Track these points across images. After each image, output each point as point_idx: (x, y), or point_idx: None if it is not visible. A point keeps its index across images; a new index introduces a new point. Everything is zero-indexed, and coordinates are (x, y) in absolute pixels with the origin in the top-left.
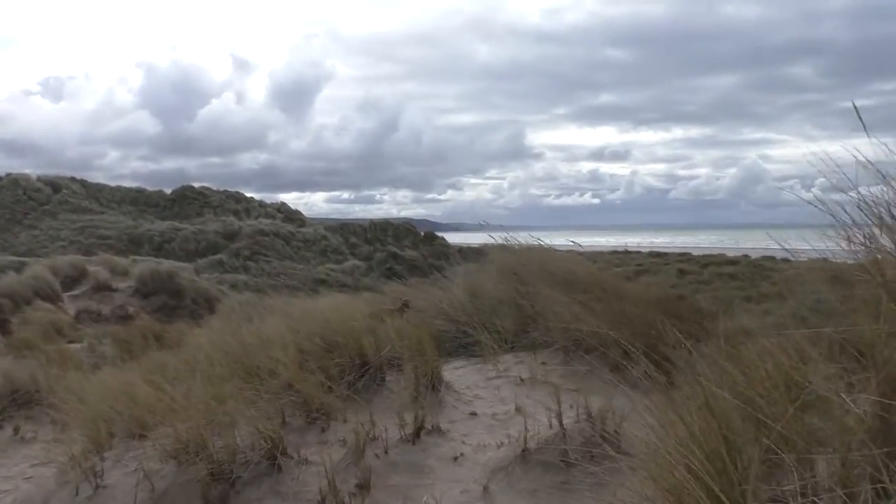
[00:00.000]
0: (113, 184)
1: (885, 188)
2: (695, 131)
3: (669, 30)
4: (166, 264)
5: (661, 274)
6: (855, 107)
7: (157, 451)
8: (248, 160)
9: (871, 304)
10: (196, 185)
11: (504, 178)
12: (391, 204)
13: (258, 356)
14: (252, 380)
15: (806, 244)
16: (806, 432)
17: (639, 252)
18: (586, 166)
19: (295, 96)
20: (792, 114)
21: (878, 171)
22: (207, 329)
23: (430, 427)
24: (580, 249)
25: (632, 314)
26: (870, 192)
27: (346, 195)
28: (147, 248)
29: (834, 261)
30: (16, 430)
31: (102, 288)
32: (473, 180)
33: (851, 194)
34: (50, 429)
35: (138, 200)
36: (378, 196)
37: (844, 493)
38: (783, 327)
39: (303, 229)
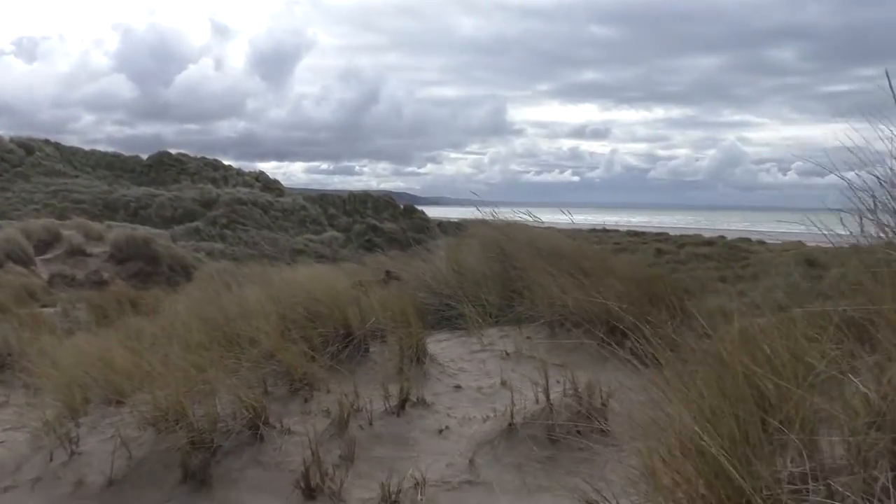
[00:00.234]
0: (87, 148)
1: None
2: (676, 111)
3: (654, 9)
4: (142, 230)
5: (639, 253)
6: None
7: (134, 418)
8: (227, 128)
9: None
10: (173, 151)
11: (485, 154)
12: (371, 176)
13: (239, 324)
14: (233, 348)
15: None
16: (812, 413)
17: (617, 231)
18: (567, 143)
19: (275, 64)
20: (772, 97)
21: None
22: (184, 296)
23: (414, 399)
24: (559, 227)
25: (619, 290)
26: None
27: (325, 166)
28: (122, 213)
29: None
30: None
31: (76, 252)
32: (454, 154)
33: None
34: (22, 393)
35: (114, 165)
36: (357, 168)
37: (864, 477)
38: (757, 308)
39: (281, 199)
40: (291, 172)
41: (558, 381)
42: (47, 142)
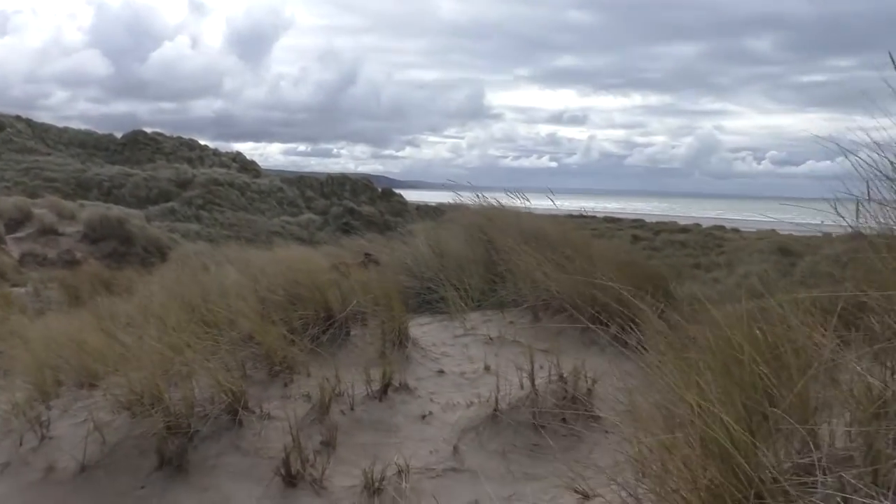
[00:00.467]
0: (60, 125)
1: None
2: (654, 99)
3: None
4: (116, 210)
5: (616, 239)
6: None
7: (108, 402)
8: (203, 107)
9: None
10: (148, 130)
11: (463, 138)
12: (349, 158)
13: (217, 305)
14: (210, 330)
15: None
16: (817, 401)
17: (594, 217)
18: (545, 129)
19: (252, 43)
20: (749, 85)
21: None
22: (159, 277)
23: (397, 384)
24: (536, 212)
25: (605, 275)
26: None
27: (302, 147)
28: (96, 192)
29: (782, 233)
30: None
31: (48, 231)
32: (432, 138)
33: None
34: None
35: (87, 143)
36: (335, 150)
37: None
38: (732, 296)
39: (258, 180)
40: (269, 154)
41: (542, 367)
42: (19, 118)
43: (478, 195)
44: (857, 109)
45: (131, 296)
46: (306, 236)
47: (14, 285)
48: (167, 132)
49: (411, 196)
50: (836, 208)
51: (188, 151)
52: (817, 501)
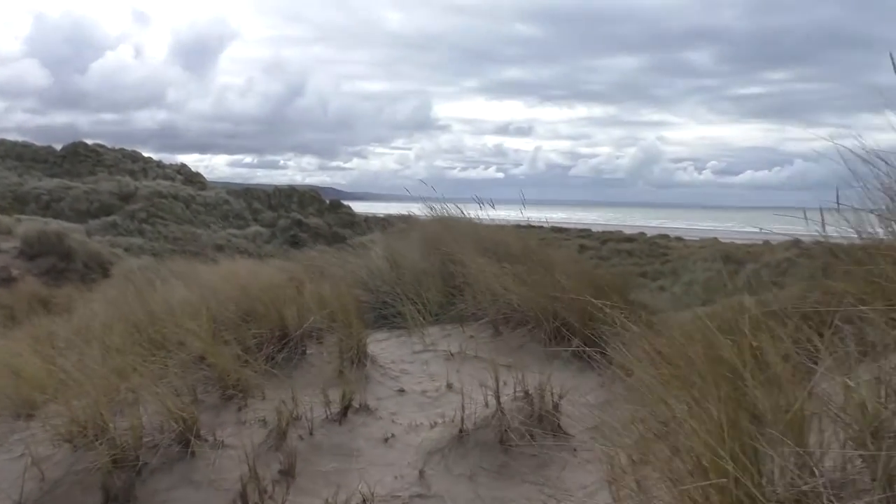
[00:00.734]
0: None
1: None
2: (598, 110)
3: (576, 9)
4: (55, 224)
5: (564, 249)
6: None
7: (47, 434)
8: (146, 118)
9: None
10: (89, 141)
11: (410, 149)
12: (296, 170)
13: (165, 325)
14: (158, 352)
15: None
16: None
17: (542, 227)
18: (491, 140)
19: (198, 54)
20: (689, 97)
21: None
22: (102, 295)
23: (357, 405)
24: (486, 223)
25: (566, 287)
26: None
27: (249, 159)
28: (33, 206)
29: (724, 241)
30: None
31: None
32: (380, 149)
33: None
34: None
35: (24, 156)
36: (282, 161)
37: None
38: (680, 303)
39: (204, 193)
40: (214, 166)
41: (506, 383)
42: None
43: (432, 206)
44: (791, 120)
45: (71, 315)
46: (253, 249)
47: None
48: (109, 144)
49: (360, 207)
50: (805, 216)
51: (131, 164)
52: None
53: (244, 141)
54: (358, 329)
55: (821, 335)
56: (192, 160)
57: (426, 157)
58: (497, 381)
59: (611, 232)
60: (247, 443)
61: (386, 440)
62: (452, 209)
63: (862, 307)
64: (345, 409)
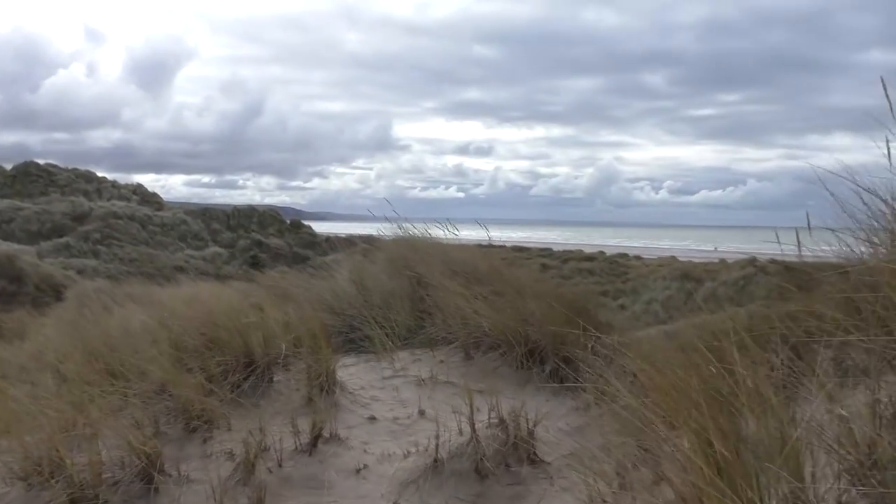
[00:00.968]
0: None
1: None
2: (556, 131)
3: (534, 31)
4: (4, 246)
5: (525, 269)
6: None
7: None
8: (100, 137)
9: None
10: (40, 161)
11: (371, 169)
12: (255, 190)
13: (124, 352)
14: (117, 381)
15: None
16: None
17: (503, 246)
18: (452, 160)
19: (153, 72)
20: (646, 119)
21: None
22: (55, 319)
23: (327, 434)
24: (449, 243)
25: (536, 310)
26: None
27: (206, 179)
28: None
29: (682, 260)
30: None
31: None
32: (340, 169)
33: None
34: None
35: None
36: (241, 181)
37: None
38: (638, 321)
39: (160, 213)
40: (171, 185)
41: (479, 409)
42: None
43: (397, 227)
44: (744, 141)
45: (23, 342)
46: (213, 271)
47: None
48: (61, 164)
49: (321, 227)
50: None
51: (84, 184)
52: None
53: (202, 160)
54: (326, 354)
55: (800, 358)
56: (149, 180)
57: (387, 176)
58: (471, 407)
59: (571, 251)
60: (213, 477)
61: (358, 471)
62: (417, 229)
63: (850, 332)
64: (315, 439)
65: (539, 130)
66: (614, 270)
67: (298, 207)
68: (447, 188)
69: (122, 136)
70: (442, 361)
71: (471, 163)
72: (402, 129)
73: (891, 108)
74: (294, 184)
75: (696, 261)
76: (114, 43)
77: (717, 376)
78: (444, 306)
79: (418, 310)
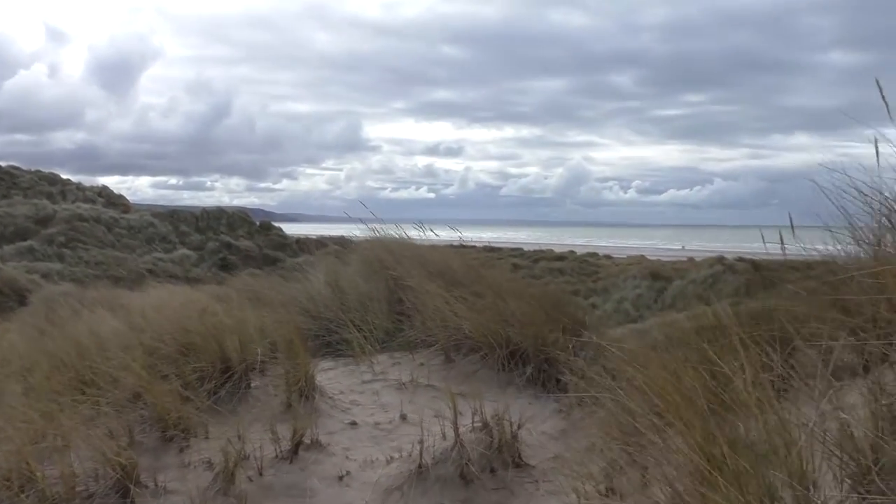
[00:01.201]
0: None
1: None
2: (525, 131)
3: (502, 32)
4: None
5: (496, 268)
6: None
7: None
8: (63, 139)
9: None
10: (2, 163)
11: (341, 170)
12: (223, 191)
13: (94, 360)
14: (88, 389)
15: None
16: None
17: (474, 246)
18: (422, 161)
19: (117, 72)
20: (613, 119)
21: None
22: (20, 325)
23: (308, 441)
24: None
25: (517, 311)
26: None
27: (173, 181)
28: None
29: (651, 259)
30: None
31: None
32: (309, 170)
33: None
34: None
35: None
36: (209, 183)
37: None
38: (609, 321)
39: (127, 215)
40: (137, 187)
41: (461, 413)
42: None
43: (372, 228)
44: (710, 141)
45: None
46: (181, 273)
47: None
48: (23, 166)
49: (291, 229)
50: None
51: (48, 186)
52: None
53: (168, 162)
54: (305, 359)
55: (785, 360)
56: (114, 182)
57: (357, 177)
58: (455, 411)
59: (542, 251)
60: (192, 487)
61: (341, 478)
62: (389, 230)
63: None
64: (296, 446)
65: (508, 131)
66: (585, 270)
67: (268, 209)
68: (418, 189)
69: (86, 138)
70: (422, 364)
71: (441, 163)
72: (372, 130)
73: (887, 109)
74: (263, 185)
75: (665, 259)
76: (76, 43)
77: (712, 376)
78: (422, 308)
79: (396, 312)
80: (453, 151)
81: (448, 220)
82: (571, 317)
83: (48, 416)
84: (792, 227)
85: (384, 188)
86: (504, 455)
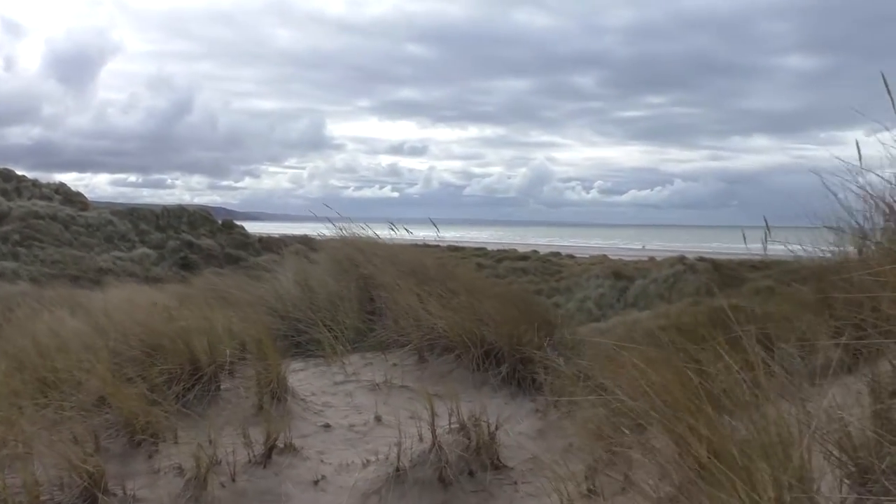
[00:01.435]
0: None
1: None
2: (489, 131)
3: (467, 31)
4: None
5: (460, 269)
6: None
7: None
8: (18, 134)
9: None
10: None
11: (304, 168)
12: (184, 189)
13: (57, 362)
14: (51, 393)
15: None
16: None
17: (438, 246)
18: (386, 159)
19: (75, 67)
20: (576, 119)
21: None
22: None
23: (281, 444)
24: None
25: (492, 310)
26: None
27: (133, 178)
28: None
29: (613, 258)
30: None
31: None
32: (272, 168)
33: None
34: None
35: None
36: (169, 180)
37: None
38: (573, 319)
39: (85, 213)
40: (95, 185)
41: (437, 414)
42: None
43: (340, 227)
44: (670, 142)
45: None
46: (141, 273)
47: None
48: None
49: (253, 228)
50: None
51: (2, 182)
52: None
53: (128, 159)
54: (276, 359)
55: (771, 357)
56: (72, 179)
57: (320, 176)
58: (432, 413)
59: (505, 250)
60: (162, 494)
61: (316, 483)
62: (356, 229)
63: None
64: (269, 450)
65: (472, 130)
66: (548, 269)
67: (230, 207)
68: (381, 188)
69: (42, 134)
70: (395, 365)
71: (405, 162)
72: (336, 128)
73: (892, 105)
74: (225, 183)
75: (627, 259)
76: (33, 36)
77: (697, 375)
78: (395, 307)
79: (367, 311)
80: (417, 151)
81: (412, 219)
82: (544, 316)
83: (8, 421)
84: (767, 227)
85: (347, 187)
86: (482, 457)
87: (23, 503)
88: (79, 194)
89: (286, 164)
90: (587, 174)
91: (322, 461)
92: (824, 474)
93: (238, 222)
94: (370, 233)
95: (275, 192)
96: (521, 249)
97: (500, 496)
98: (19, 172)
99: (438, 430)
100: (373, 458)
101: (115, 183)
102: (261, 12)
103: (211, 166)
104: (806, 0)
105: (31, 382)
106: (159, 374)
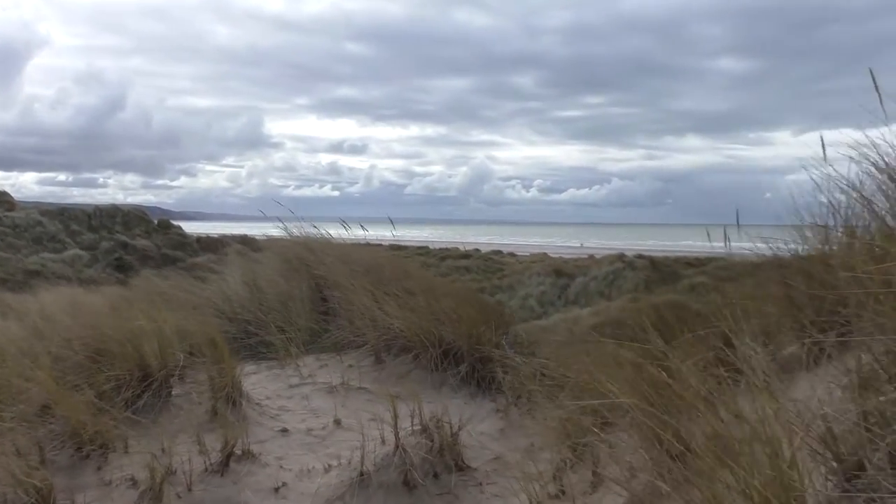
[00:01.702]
0: None
1: None
2: (430, 130)
3: (407, 30)
4: None
5: (414, 267)
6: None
7: None
8: None
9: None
10: None
11: (242, 167)
12: (117, 188)
13: None
14: None
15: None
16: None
17: (380, 244)
18: (326, 158)
19: None
20: (515, 119)
21: None
22: None
23: (238, 451)
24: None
25: (449, 310)
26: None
27: (62, 177)
28: None
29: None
30: None
31: None
32: (209, 167)
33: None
34: None
35: None
36: (101, 179)
37: None
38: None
39: (11, 213)
40: (22, 184)
41: (398, 416)
42: None
43: (292, 226)
44: (608, 142)
45: None
46: (73, 275)
47: None
48: None
49: (190, 227)
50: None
51: None
52: None
53: (56, 157)
54: (230, 363)
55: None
56: None
57: (259, 174)
58: (395, 415)
59: (448, 249)
60: None
61: (277, 490)
62: (307, 228)
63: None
64: (226, 458)
65: (413, 129)
66: (490, 267)
67: (165, 207)
68: (322, 186)
69: None
70: (351, 366)
71: (345, 161)
72: (274, 127)
73: (880, 101)
74: (160, 182)
75: (567, 257)
76: None
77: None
78: (349, 307)
79: (320, 312)
80: (358, 149)
81: (353, 218)
82: (500, 314)
83: None
84: (738, 224)
85: (287, 186)
86: (446, 458)
87: None
88: (4, 194)
89: (224, 162)
90: (527, 173)
91: (282, 467)
92: (810, 471)
93: (175, 222)
94: (322, 231)
95: (212, 191)
96: (463, 248)
97: (465, 498)
98: None
99: (401, 433)
100: (335, 463)
101: (43, 182)
102: (197, 8)
103: (145, 165)
104: (738, 3)
105: None
106: (106, 380)
